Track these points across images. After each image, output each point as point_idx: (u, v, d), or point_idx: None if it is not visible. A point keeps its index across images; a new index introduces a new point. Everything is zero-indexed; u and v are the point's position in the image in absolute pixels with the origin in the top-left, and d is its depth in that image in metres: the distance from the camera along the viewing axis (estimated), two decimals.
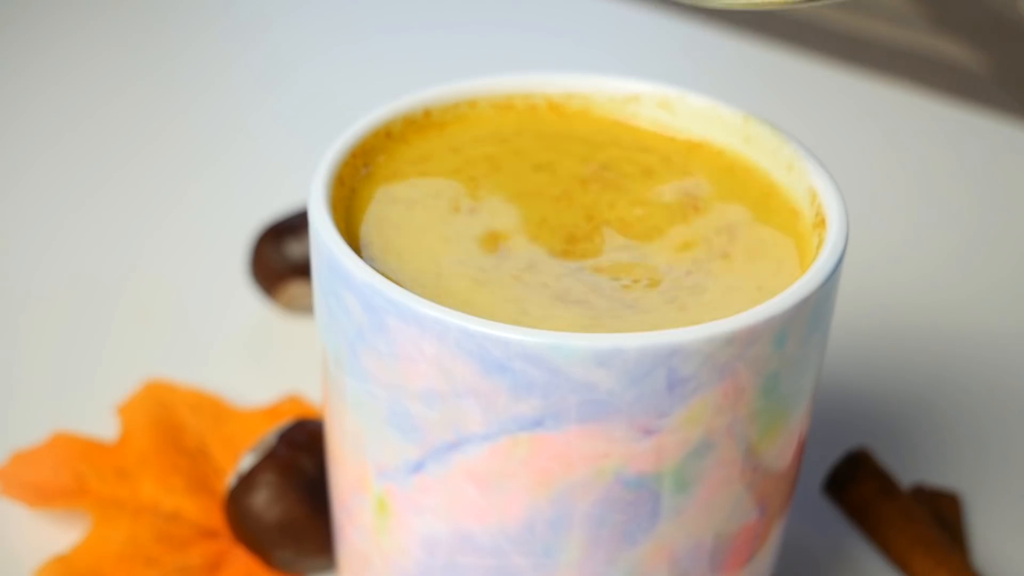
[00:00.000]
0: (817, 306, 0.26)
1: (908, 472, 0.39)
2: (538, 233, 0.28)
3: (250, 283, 0.46)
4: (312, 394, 0.41)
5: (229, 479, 0.36)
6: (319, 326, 0.28)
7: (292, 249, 0.43)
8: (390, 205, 0.29)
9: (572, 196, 0.30)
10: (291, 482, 0.35)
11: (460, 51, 0.59)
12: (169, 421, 0.39)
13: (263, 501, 0.35)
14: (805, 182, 0.30)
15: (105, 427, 0.40)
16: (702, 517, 0.27)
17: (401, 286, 0.27)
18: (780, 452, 0.28)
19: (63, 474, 0.37)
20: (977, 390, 0.42)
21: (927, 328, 0.45)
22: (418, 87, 0.56)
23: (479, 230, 0.28)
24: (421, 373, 0.26)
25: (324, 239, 0.27)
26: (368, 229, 0.29)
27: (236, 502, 0.35)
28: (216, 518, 0.37)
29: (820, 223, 0.28)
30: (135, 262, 0.47)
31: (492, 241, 0.28)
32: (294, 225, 0.44)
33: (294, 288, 0.43)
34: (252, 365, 0.42)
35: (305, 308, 0.44)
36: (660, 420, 0.25)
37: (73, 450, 0.38)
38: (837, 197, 0.28)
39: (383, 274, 0.27)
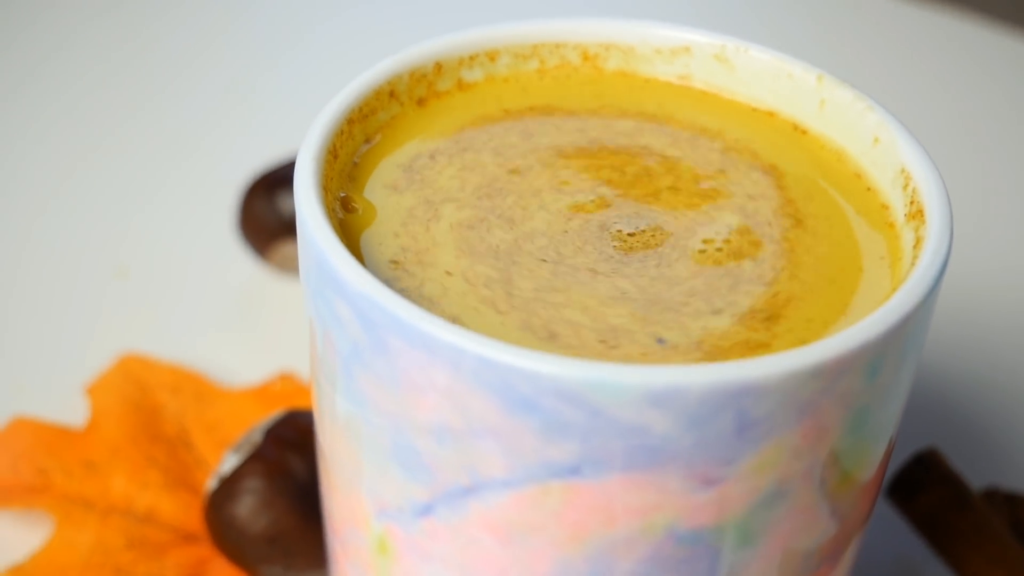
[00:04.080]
0: (918, 323, 0.21)
1: (981, 473, 0.35)
2: (581, 230, 0.23)
3: (239, 241, 0.41)
4: (307, 371, 0.37)
5: (209, 482, 0.31)
6: (309, 321, 0.24)
7: (286, 203, 0.38)
8: (397, 187, 0.24)
9: (617, 182, 0.25)
10: (279, 488, 0.30)
11: (478, 3, 0.54)
12: (145, 404, 0.35)
13: (248, 510, 0.30)
14: (895, 160, 0.25)
15: (72, 411, 0.35)
16: (768, 570, 0.23)
17: (409, 296, 0.22)
18: (862, 488, 0.23)
19: (22, 468, 0.33)
20: None
21: (1002, 318, 0.40)
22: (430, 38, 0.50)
23: (512, 224, 0.23)
24: (430, 405, 0.21)
25: (312, 232, 0.22)
26: (369, 218, 0.24)
27: (217, 510, 0.30)
28: (196, 519, 0.33)
29: (916, 214, 0.23)
30: (108, 218, 0.41)
31: (527, 238, 0.23)
32: (288, 176, 0.39)
33: (288, 247, 0.39)
34: (240, 335, 0.38)
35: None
36: (725, 468, 0.20)
37: (34, 438, 0.34)
38: (937, 182, 0.23)
39: (388, 281, 0.22)
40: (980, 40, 0.52)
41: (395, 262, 0.23)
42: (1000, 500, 0.34)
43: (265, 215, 0.39)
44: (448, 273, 0.22)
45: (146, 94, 0.47)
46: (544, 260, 0.23)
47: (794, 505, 0.22)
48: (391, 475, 0.22)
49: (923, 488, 0.33)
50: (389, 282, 0.22)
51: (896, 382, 0.22)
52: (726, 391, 0.19)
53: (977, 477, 0.35)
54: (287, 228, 0.38)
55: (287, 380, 0.36)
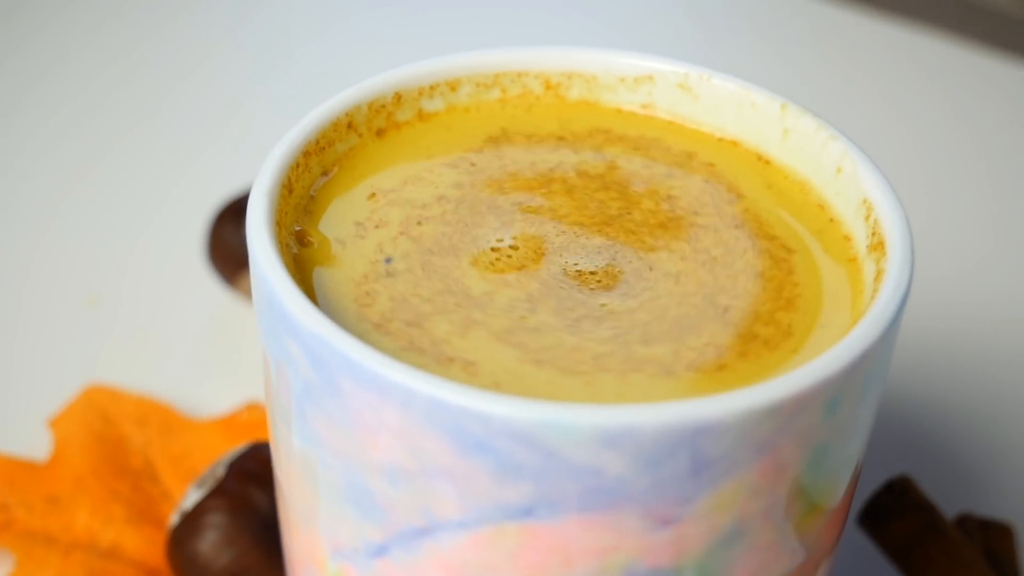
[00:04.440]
0: (878, 359, 0.21)
1: (954, 500, 0.34)
2: (537, 259, 0.23)
3: (207, 269, 0.40)
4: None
5: (172, 517, 0.31)
6: (263, 358, 0.23)
7: None
8: (355, 218, 0.24)
9: (580, 213, 0.24)
10: (242, 523, 0.30)
11: (443, 31, 0.53)
12: (109, 436, 0.35)
13: (210, 546, 0.30)
14: (858, 190, 0.24)
15: (34, 443, 0.35)
16: None
17: (361, 336, 0.21)
18: (823, 524, 0.23)
19: None
20: None
21: (970, 345, 0.40)
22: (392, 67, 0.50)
23: (471, 255, 0.23)
24: (383, 446, 0.20)
25: (263, 270, 0.22)
26: (325, 252, 0.23)
27: (179, 545, 0.30)
28: (161, 554, 0.32)
29: (877, 246, 0.23)
30: (73, 245, 0.41)
31: (486, 268, 0.23)
32: None
33: None
34: (208, 364, 0.37)
35: None
36: (681, 508, 0.20)
37: None
38: (899, 212, 0.23)
39: (340, 319, 0.22)
40: (951, 62, 0.51)
41: (357, 300, 0.22)
42: (973, 526, 0.34)
43: (233, 243, 0.38)
44: (406, 320, 0.22)
45: (114, 124, 0.47)
46: (509, 306, 0.22)
47: (754, 543, 0.21)
48: (346, 515, 0.22)
49: (895, 515, 0.33)
50: (353, 315, 0.22)
51: (857, 417, 0.21)
52: (681, 430, 0.19)
53: (950, 504, 0.35)
54: None
55: (254, 410, 0.36)
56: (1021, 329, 0.40)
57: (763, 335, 0.22)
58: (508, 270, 0.23)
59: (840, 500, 0.23)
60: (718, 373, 0.21)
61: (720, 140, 0.27)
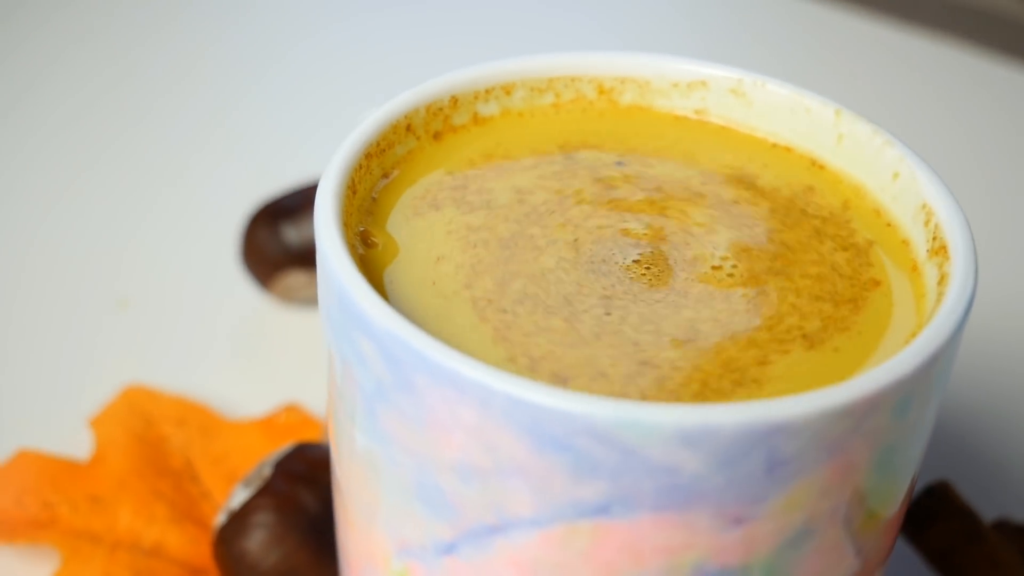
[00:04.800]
0: (946, 361, 0.21)
1: (992, 505, 0.35)
2: (604, 263, 0.23)
3: (242, 272, 0.40)
4: (313, 403, 0.36)
5: (218, 516, 0.31)
6: (329, 359, 0.23)
7: (289, 233, 0.38)
8: (421, 222, 0.24)
9: (639, 216, 0.25)
10: (291, 522, 0.30)
11: (491, 35, 0.54)
12: (149, 436, 0.35)
13: (258, 545, 0.30)
14: (916, 195, 0.25)
15: (77, 443, 0.35)
16: None
17: (436, 335, 0.22)
18: (885, 529, 0.23)
19: (28, 502, 0.33)
20: None
21: (1011, 346, 0.40)
22: (439, 69, 0.50)
23: (541, 256, 0.23)
24: (457, 444, 0.21)
25: (335, 269, 0.22)
26: (391, 253, 0.24)
27: (227, 545, 0.30)
28: (204, 552, 0.32)
29: (939, 250, 0.23)
30: (111, 249, 0.41)
31: (560, 262, 0.23)
32: (291, 206, 0.39)
33: (291, 278, 0.38)
34: (244, 366, 0.37)
35: (304, 300, 0.39)
36: (754, 507, 0.20)
37: (40, 472, 0.33)
38: (959, 216, 0.23)
39: (412, 318, 0.22)
40: (995, 75, 0.52)
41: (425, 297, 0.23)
42: (1011, 531, 0.34)
43: (268, 245, 0.38)
44: (479, 317, 0.22)
45: (148, 125, 0.47)
46: (564, 299, 0.23)
47: (820, 544, 0.22)
48: (413, 513, 0.22)
49: (935, 520, 0.33)
50: (424, 314, 0.22)
51: (922, 420, 0.22)
52: (758, 430, 0.19)
53: (988, 509, 0.35)
54: (290, 258, 0.38)
55: (293, 411, 0.36)
56: None
57: (835, 339, 0.22)
58: (573, 270, 0.23)
59: (899, 506, 0.23)
60: (792, 370, 0.21)
61: (774, 146, 0.27)
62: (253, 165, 0.45)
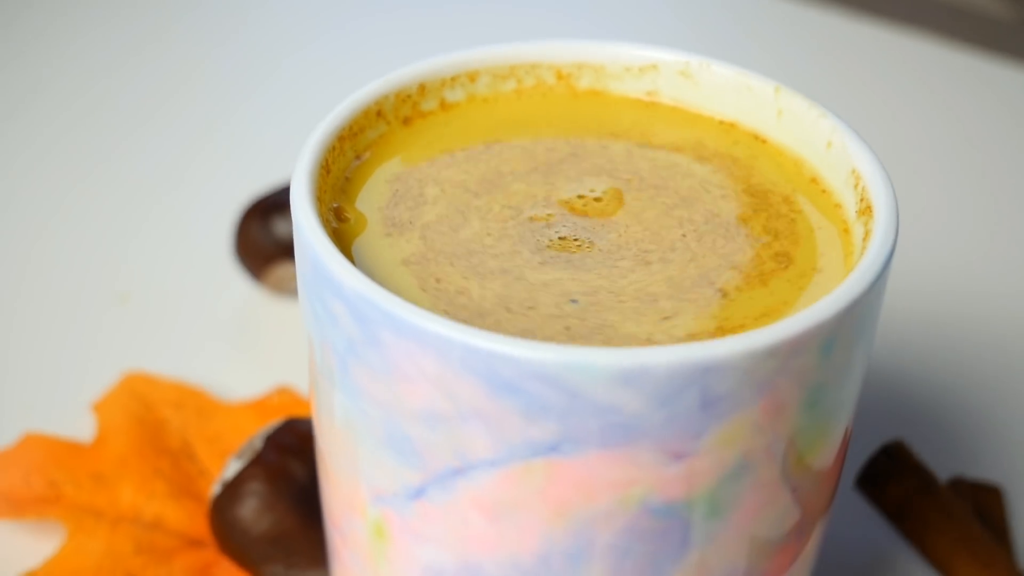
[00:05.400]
0: (867, 307, 0.23)
1: (946, 464, 0.37)
2: (560, 226, 0.25)
3: (235, 264, 0.43)
4: (303, 385, 0.38)
5: (214, 487, 0.33)
6: (306, 329, 0.25)
7: (280, 227, 0.40)
8: (386, 197, 0.26)
9: (598, 184, 0.27)
10: (281, 490, 0.32)
11: (459, 26, 0.56)
12: (149, 419, 0.37)
13: (251, 512, 0.32)
14: (847, 162, 0.26)
15: (80, 426, 0.37)
16: (737, 541, 0.24)
17: (399, 294, 0.24)
18: (822, 467, 0.25)
19: (35, 480, 0.34)
20: (1018, 376, 0.39)
21: (962, 313, 0.42)
22: (413, 58, 0.52)
23: (493, 225, 0.25)
24: (421, 393, 0.23)
25: (308, 237, 0.24)
26: (361, 226, 0.26)
27: (221, 513, 0.32)
28: (201, 525, 0.34)
29: (865, 210, 0.25)
30: (111, 244, 0.43)
31: (515, 232, 0.25)
32: (282, 201, 0.41)
33: (282, 269, 0.40)
34: (238, 354, 0.39)
35: (294, 291, 0.41)
36: (692, 443, 0.22)
37: (45, 453, 0.35)
38: (884, 180, 0.25)
39: (378, 280, 0.24)
40: (920, 54, 0.54)
41: (404, 262, 0.25)
42: (965, 489, 0.36)
43: (260, 239, 0.40)
44: (436, 279, 0.24)
45: (145, 132, 0.49)
46: (516, 262, 0.25)
47: (758, 479, 0.23)
48: (385, 462, 0.24)
49: (891, 477, 0.35)
50: (390, 277, 0.24)
51: (848, 364, 0.24)
52: (690, 370, 0.21)
53: (942, 469, 0.37)
54: (281, 251, 0.40)
55: (284, 393, 0.38)
56: (1003, 301, 0.42)
57: (768, 289, 0.24)
58: (527, 235, 0.25)
59: (834, 451, 0.25)
60: (727, 321, 0.23)
61: (720, 123, 0.29)
62: (244, 165, 0.47)
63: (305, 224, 0.24)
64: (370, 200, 0.26)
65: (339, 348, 0.24)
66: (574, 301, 0.24)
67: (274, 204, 0.41)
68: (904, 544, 0.34)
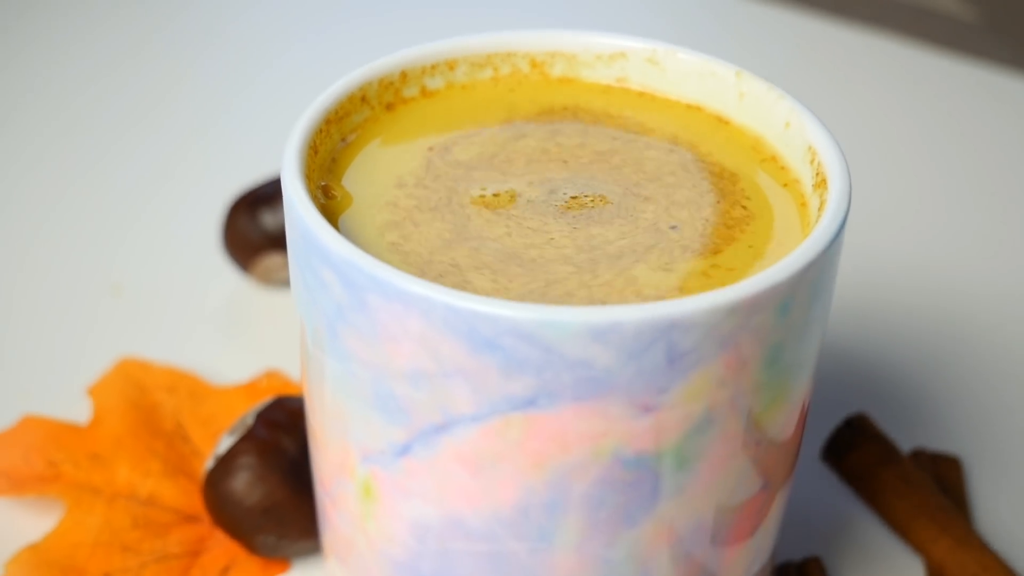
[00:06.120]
0: (822, 271, 0.25)
1: (907, 437, 0.38)
2: (531, 198, 0.27)
3: (224, 256, 0.44)
4: (291, 369, 0.40)
5: (207, 462, 0.34)
6: (297, 302, 0.27)
7: (266, 219, 0.41)
8: (371, 178, 0.28)
9: (567, 162, 0.28)
10: (272, 463, 0.33)
11: (439, 19, 0.57)
12: (143, 402, 0.38)
13: (243, 484, 0.33)
14: (803, 140, 0.28)
15: (77, 410, 0.38)
16: (704, 494, 0.26)
17: (383, 260, 0.25)
18: (784, 424, 0.27)
19: (34, 460, 0.36)
20: (976, 354, 0.41)
21: (924, 292, 0.44)
22: (397, 47, 0.54)
23: (468, 198, 0.27)
24: (406, 353, 0.24)
25: (299, 210, 0.25)
26: (347, 203, 0.27)
27: (214, 486, 0.34)
28: (195, 502, 0.36)
29: (821, 183, 0.27)
30: (104, 237, 0.45)
31: (483, 207, 0.27)
32: (268, 194, 0.42)
33: (269, 260, 0.42)
34: (228, 341, 0.41)
35: (281, 281, 0.43)
36: (659, 396, 0.24)
37: (44, 434, 0.37)
38: (838, 155, 0.27)
39: (363, 248, 0.26)
40: (883, 53, 0.56)
41: (389, 241, 0.26)
42: (925, 460, 0.37)
43: (248, 231, 0.42)
44: (417, 246, 0.26)
45: (136, 130, 0.50)
46: (506, 235, 0.26)
47: (723, 433, 0.25)
48: (373, 421, 0.26)
49: (854, 447, 0.37)
50: (376, 247, 0.26)
51: (805, 325, 0.25)
52: (655, 326, 0.23)
53: (904, 442, 0.38)
54: (268, 242, 0.42)
55: (273, 377, 0.39)
56: (961, 284, 0.44)
57: (729, 256, 0.26)
58: (501, 206, 0.27)
59: (795, 414, 0.27)
60: (689, 281, 0.25)
61: (687, 107, 0.31)
62: (231, 161, 0.49)
63: (295, 199, 0.26)
64: (355, 179, 0.28)
65: (329, 314, 0.25)
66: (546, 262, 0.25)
67: (260, 197, 0.42)
68: (866, 511, 0.36)
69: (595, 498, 0.25)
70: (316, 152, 0.28)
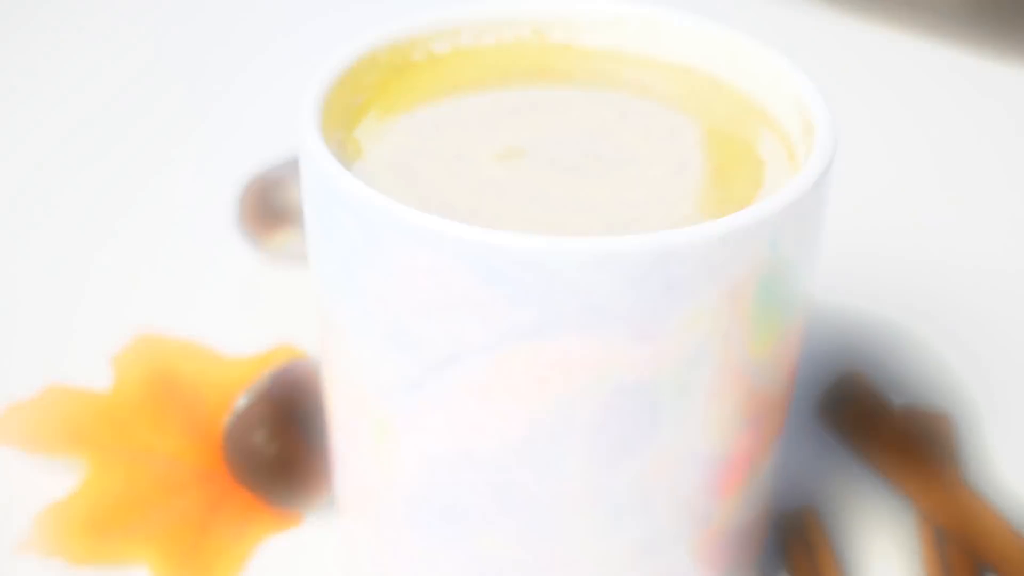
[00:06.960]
0: (810, 209, 0.26)
1: (899, 397, 0.40)
2: (536, 156, 0.28)
3: (239, 233, 0.46)
4: (303, 343, 0.41)
5: (226, 419, 0.36)
6: (311, 251, 0.28)
7: (279, 198, 0.43)
8: (381, 133, 0.29)
9: (569, 123, 0.30)
10: (287, 419, 0.35)
11: None
12: (162, 370, 0.39)
13: (261, 437, 0.35)
14: (792, 92, 0.30)
15: (98, 380, 0.40)
16: (701, 427, 0.27)
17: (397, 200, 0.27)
18: (775, 362, 0.28)
19: (57, 423, 0.37)
20: (969, 314, 0.43)
21: (917, 253, 0.45)
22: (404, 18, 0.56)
23: (474, 154, 0.29)
24: (419, 286, 0.26)
25: (316, 157, 0.27)
26: (358, 154, 0.29)
27: (233, 440, 0.35)
28: (212, 461, 0.37)
29: (808, 131, 0.28)
30: (123, 215, 0.46)
31: (491, 161, 0.28)
32: (280, 175, 0.44)
33: (283, 237, 0.43)
34: (243, 315, 0.42)
35: (294, 257, 0.44)
36: (658, 325, 0.25)
37: (67, 401, 0.38)
38: (823, 104, 0.29)
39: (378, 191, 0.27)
40: (873, 41, 0.57)
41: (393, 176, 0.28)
42: (917, 415, 0.39)
43: (261, 209, 0.43)
44: (427, 189, 0.27)
45: (154, 116, 0.52)
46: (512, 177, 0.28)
47: (717, 363, 0.26)
48: (387, 357, 0.27)
49: (848, 402, 0.38)
50: (388, 189, 0.27)
51: (796, 260, 0.27)
52: (655, 254, 0.24)
53: (896, 399, 0.40)
54: (282, 220, 0.43)
55: (285, 349, 0.41)
56: (950, 241, 0.45)
57: (726, 196, 0.27)
58: (508, 160, 0.28)
59: (787, 353, 0.28)
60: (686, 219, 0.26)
61: (683, 69, 0.32)
62: (246, 142, 0.50)
63: (312, 147, 0.27)
64: (366, 134, 0.29)
65: (345, 254, 0.27)
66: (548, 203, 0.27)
67: (274, 178, 0.44)
68: (860, 464, 0.37)
69: (598, 426, 0.26)
70: (330, 109, 0.29)
